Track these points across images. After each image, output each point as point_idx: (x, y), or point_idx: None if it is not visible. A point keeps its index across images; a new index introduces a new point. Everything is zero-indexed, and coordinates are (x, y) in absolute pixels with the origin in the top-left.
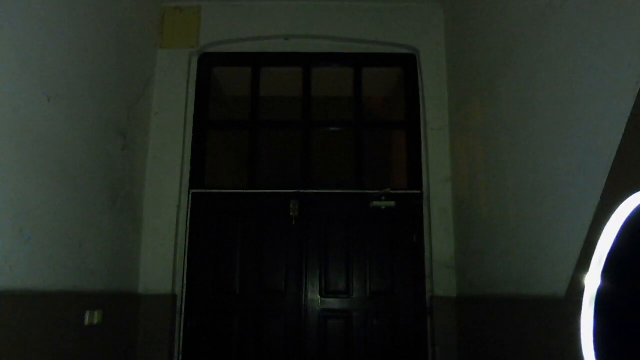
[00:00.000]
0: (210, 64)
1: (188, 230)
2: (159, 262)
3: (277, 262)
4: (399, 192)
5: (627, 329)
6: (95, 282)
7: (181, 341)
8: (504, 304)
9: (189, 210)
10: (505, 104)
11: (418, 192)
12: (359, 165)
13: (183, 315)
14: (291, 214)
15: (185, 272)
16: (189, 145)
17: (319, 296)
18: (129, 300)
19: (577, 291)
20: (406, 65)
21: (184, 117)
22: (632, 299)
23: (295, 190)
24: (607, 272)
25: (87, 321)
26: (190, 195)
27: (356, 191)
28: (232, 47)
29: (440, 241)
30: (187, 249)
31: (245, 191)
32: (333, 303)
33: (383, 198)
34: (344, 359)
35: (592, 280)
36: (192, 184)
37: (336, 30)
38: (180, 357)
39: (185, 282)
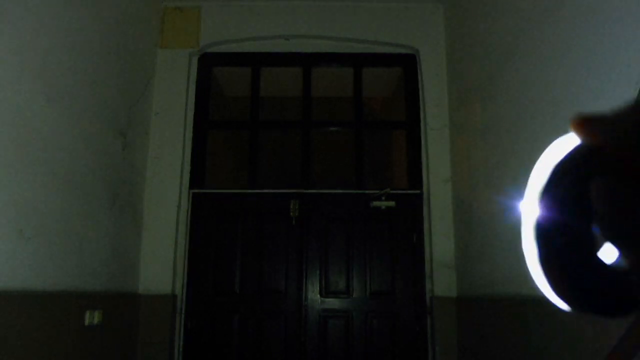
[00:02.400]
0: (210, 64)
1: (188, 230)
2: (159, 262)
3: (277, 262)
4: (399, 192)
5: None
6: (95, 282)
7: (181, 341)
8: (504, 304)
9: (189, 210)
10: (505, 104)
11: (418, 192)
12: (359, 165)
13: (183, 315)
14: (291, 213)
15: (185, 272)
16: (189, 145)
17: (319, 296)
18: (129, 300)
19: None
20: (406, 65)
21: (184, 117)
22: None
23: (295, 190)
24: (543, 201)
25: (87, 321)
26: (191, 195)
27: (356, 191)
28: (232, 47)
29: (440, 241)
30: (187, 249)
31: (245, 191)
32: (333, 303)
33: (383, 198)
34: (344, 359)
35: (530, 209)
36: (192, 184)
37: (336, 30)
38: (180, 357)
39: (185, 282)
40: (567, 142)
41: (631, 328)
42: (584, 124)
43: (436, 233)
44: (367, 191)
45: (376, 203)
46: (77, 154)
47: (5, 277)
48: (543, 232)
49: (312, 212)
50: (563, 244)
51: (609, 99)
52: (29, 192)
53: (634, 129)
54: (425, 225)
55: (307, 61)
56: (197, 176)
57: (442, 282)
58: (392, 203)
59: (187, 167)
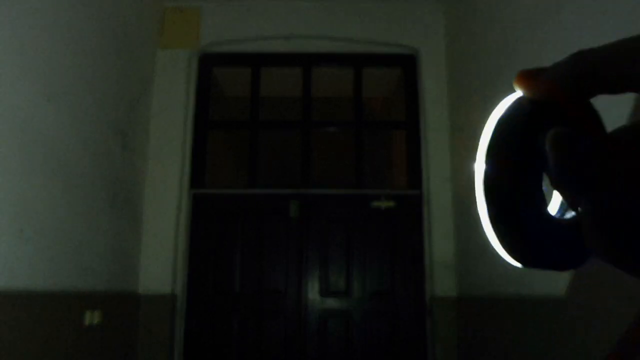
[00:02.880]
0: (210, 64)
1: (188, 231)
2: (159, 262)
3: (277, 262)
4: (399, 192)
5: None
6: (95, 282)
7: (181, 341)
8: (504, 304)
9: (189, 210)
10: None
11: (418, 192)
12: (359, 165)
13: (183, 315)
14: (291, 214)
15: (185, 272)
16: (189, 145)
17: (318, 296)
18: (129, 300)
19: (577, 291)
20: (406, 65)
21: (184, 117)
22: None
23: (295, 190)
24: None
25: (87, 321)
26: (191, 196)
27: (356, 191)
28: (232, 47)
29: (440, 241)
30: (187, 249)
31: (245, 191)
32: (333, 303)
33: (383, 198)
34: (343, 359)
35: (479, 167)
36: (192, 184)
37: (336, 30)
38: (180, 357)
39: (185, 282)
40: (512, 99)
41: (631, 328)
42: (524, 77)
43: (436, 233)
44: (367, 191)
45: (376, 203)
46: (77, 154)
47: (5, 277)
48: (490, 190)
49: (312, 212)
50: (510, 200)
51: (609, 99)
52: (29, 192)
53: (570, 80)
54: (425, 225)
55: (307, 61)
56: (197, 176)
57: (442, 282)
58: (392, 203)
59: (187, 168)
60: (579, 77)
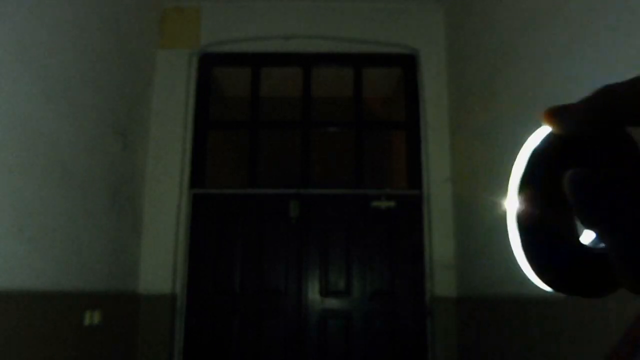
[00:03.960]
0: (210, 64)
1: (188, 231)
2: (159, 262)
3: (277, 262)
4: (399, 192)
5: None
6: (95, 282)
7: (181, 341)
8: (504, 304)
9: (189, 210)
10: (505, 104)
11: (418, 192)
12: (359, 165)
13: (183, 315)
14: (291, 214)
15: (186, 272)
16: (189, 145)
17: (319, 296)
18: (129, 300)
19: None
20: (406, 65)
21: (184, 117)
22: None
23: (295, 190)
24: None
25: (86, 321)
26: (191, 195)
27: (356, 191)
28: (232, 47)
29: (440, 241)
30: (187, 249)
31: (245, 191)
32: (333, 303)
33: (383, 198)
34: (343, 359)
35: (511, 204)
36: (192, 184)
37: (336, 30)
38: (180, 357)
39: (185, 282)
40: (541, 134)
41: (631, 328)
42: (551, 114)
43: (436, 233)
44: (367, 191)
45: (376, 203)
46: (77, 154)
47: (5, 277)
48: (522, 225)
49: (312, 212)
50: (540, 231)
51: None
52: (29, 192)
53: (595, 115)
54: (425, 225)
55: (307, 61)
56: (197, 176)
57: (442, 282)
58: (392, 203)
59: (187, 167)
60: (606, 111)
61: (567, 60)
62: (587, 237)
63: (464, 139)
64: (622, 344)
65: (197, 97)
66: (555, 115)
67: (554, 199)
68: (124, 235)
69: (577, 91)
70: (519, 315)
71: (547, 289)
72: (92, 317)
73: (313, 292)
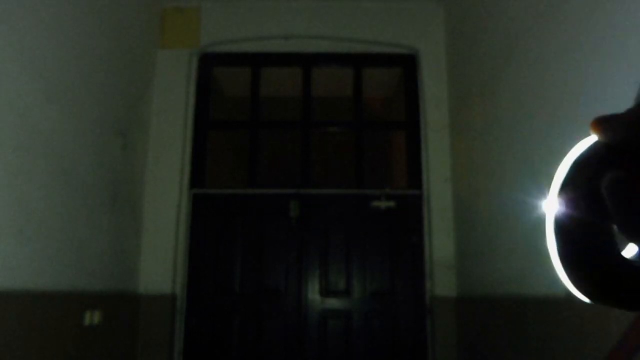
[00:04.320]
0: (210, 64)
1: (188, 230)
2: (159, 262)
3: (277, 262)
4: (399, 192)
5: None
6: (95, 282)
7: (181, 341)
8: (504, 304)
9: (189, 210)
10: (505, 104)
11: (418, 192)
12: (359, 165)
13: (183, 315)
14: (291, 214)
15: (186, 272)
16: (189, 145)
17: (319, 296)
18: (129, 300)
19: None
20: (406, 65)
21: (184, 117)
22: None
23: (295, 191)
24: (560, 197)
25: (86, 321)
26: (191, 195)
27: (356, 191)
28: (232, 47)
29: (440, 241)
30: (187, 249)
31: (245, 191)
32: (333, 303)
33: (383, 198)
34: (343, 359)
35: (551, 207)
36: (193, 184)
37: (336, 30)
38: (180, 357)
39: (185, 282)
40: (588, 142)
41: (631, 328)
42: (599, 123)
43: (436, 233)
44: (367, 191)
45: (376, 203)
46: (77, 154)
47: (5, 277)
48: (561, 228)
49: (312, 212)
50: (580, 239)
51: (610, 99)
52: (29, 192)
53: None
54: (425, 225)
55: (307, 61)
56: (197, 176)
57: (442, 282)
58: (392, 203)
59: (187, 167)
60: None
61: (567, 60)
62: (630, 250)
63: (464, 139)
64: (622, 344)
65: (197, 97)
66: (602, 123)
67: (596, 205)
68: (124, 235)
69: (577, 91)
70: (519, 315)
71: (585, 299)
72: (92, 317)
73: (313, 292)
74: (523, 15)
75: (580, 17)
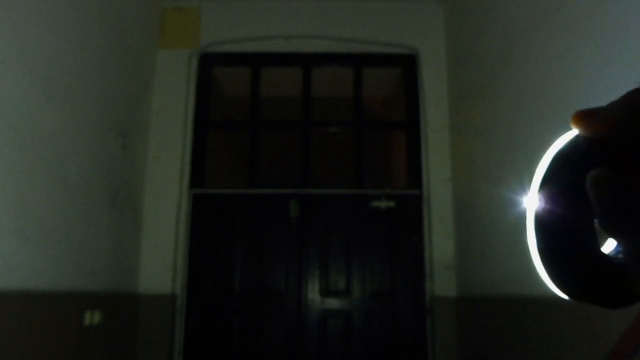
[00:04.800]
0: (210, 64)
1: (188, 231)
2: (159, 262)
3: (277, 262)
4: (399, 192)
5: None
6: (95, 282)
7: (181, 341)
8: (504, 304)
9: (189, 210)
10: (505, 104)
11: (418, 192)
12: (359, 165)
13: (183, 315)
14: (291, 214)
15: (185, 272)
16: (189, 145)
17: (319, 296)
18: (129, 300)
19: None
20: (406, 65)
21: (184, 117)
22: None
23: (295, 190)
24: (540, 193)
25: (86, 321)
26: (191, 195)
27: (356, 191)
28: (232, 47)
29: (440, 241)
30: (187, 249)
31: (245, 191)
32: (333, 303)
33: (383, 198)
34: (343, 359)
35: (531, 202)
36: (193, 184)
37: (336, 30)
38: (180, 357)
39: (185, 282)
40: (568, 136)
41: (631, 328)
42: (580, 117)
43: (436, 233)
44: (367, 191)
45: (376, 203)
46: (77, 154)
47: (5, 277)
48: (541, 223)
49: (312, 212)
50: (560, 234)
51: (610, 100)
52: (29, 192)
53: (624, 119)
54: (425, 225)
55: (307, 61)
56: (197, 176)
57: (442, 282)
58: (391, 203)
59: (187, 167)
60: (635, 114)
61: (567, 60)
62: (609, 246)
63: (464, 139)
64: (622, 343)
65: (197, 97)
66: (584, 117)
67: (577, 201)
68: (124, 235)
69: (577, 91)
70: (519, 315)
71: (564, 296)
72: (92, 317)
73: (313, 292)
74: (523, 15)
75: (580, 17)
